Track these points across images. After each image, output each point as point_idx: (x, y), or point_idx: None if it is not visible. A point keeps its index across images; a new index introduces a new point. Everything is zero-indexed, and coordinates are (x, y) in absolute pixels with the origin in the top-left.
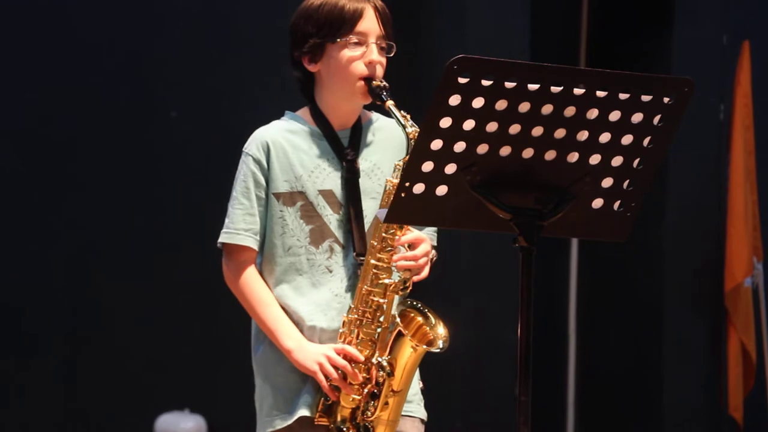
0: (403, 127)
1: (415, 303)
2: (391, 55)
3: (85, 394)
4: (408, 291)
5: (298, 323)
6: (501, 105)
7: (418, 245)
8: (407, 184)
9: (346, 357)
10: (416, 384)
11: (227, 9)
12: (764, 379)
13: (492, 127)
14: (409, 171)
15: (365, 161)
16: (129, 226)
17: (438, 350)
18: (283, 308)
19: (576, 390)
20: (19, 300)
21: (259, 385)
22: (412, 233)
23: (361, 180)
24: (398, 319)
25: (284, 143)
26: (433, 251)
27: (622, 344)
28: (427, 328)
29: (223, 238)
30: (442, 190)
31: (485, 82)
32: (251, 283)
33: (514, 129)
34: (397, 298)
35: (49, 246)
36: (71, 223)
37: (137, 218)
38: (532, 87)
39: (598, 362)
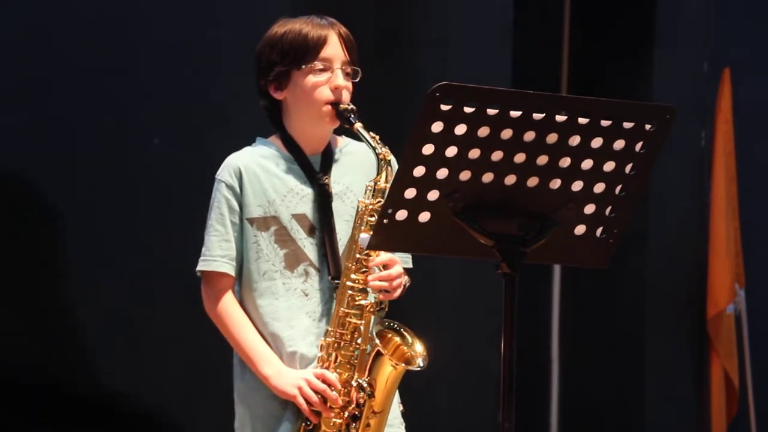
0: (373, 148)
1: (391, 323)
2: (357, 80)
3: (64, 425)
4: (384, 312)
5: (277, 349)
6: (483, 132)
7: (392, 266)
8: (390, 211)
9: (325, 382)
10: (397, 407)
11: (209, 37)
12: (747, 406)
13: (474, 153)
14: (392, 197)
15: (337, 184)
16: (108, 252)
17: (418, 368)
18: (262, 334)
19: (559, 416)
20: None
21: (239, 413)
22: (385, 255)
23: (333, 203)
24: (377, 339)
25: (256, 168)
26: (406, 277)
27: (605, 370)
28: (405, 348)
29: (200, 266)
30: (424, 216)
31: (467, 109)
32: (229, 310)
33: (497, 156)
34: (373, 318)
35: (30, 271)
36: (50, 249)
37: (116, 244)
38: (515, 114)
39: (581, 388)
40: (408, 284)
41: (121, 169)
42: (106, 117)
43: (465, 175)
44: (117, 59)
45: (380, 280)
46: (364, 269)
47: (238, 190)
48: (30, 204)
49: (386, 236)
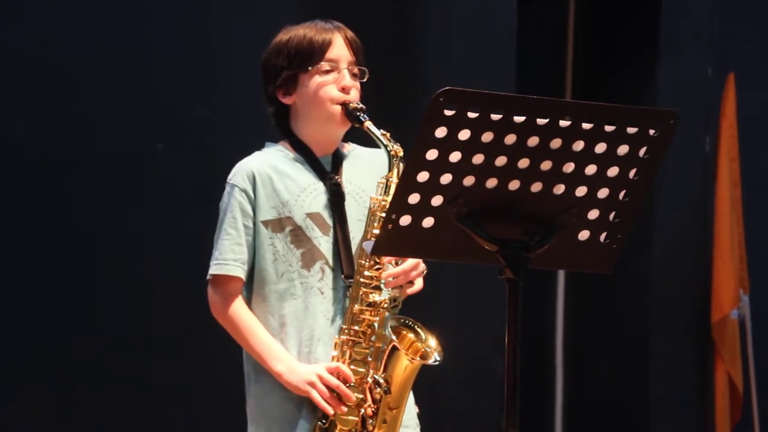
0: (385, 146)
1: (405, 320)
2: (364, 80)
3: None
4: (398, 308)
5: (291, 350)
6: (487, 137)
7: (406, 259)
8: (393, 216)
9: (339, 376)
10: (413, 408)
11: (213, 42)
12: (751, 411)
13: (478, 159)
14: (396, 203)
15: (349, 184)
16: (113, 257)
17: (435, 362)
18: (277, 337)
19: (563, 422)
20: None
21: (252, 428)
22: None
23: (346, 203)
24: (392, 335)
25: (269, 170)
26: (423, 265)
27: (610, 376)
28: (419, 344)
29: (213, 270)
30: (428, 222)
31: (471, 114)
32: (239, 312)
33: (501, 161)
34: (387, 315)
35: (31, 274)
36: (57, 253)
37: (120, 249)
38: (518, 119)
39: (586, 394)
40: (426, 271)
41: (126, 175)
42: (109, 123)
43: (469, 181)
44: (119, 66)
45: (394, 276)
46: (377, 266)
47: (251, 193)
48: (33, 210)
49: (390, 242)
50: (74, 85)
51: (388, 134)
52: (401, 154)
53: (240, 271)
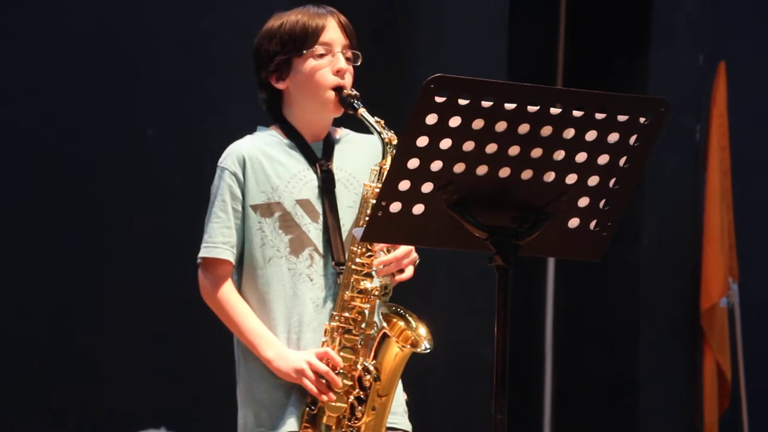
0: (379, 133)
1: (396, 308)
2: (358, 64)
3: (58, 411)
4: (389, 296)
5: (280, 336)
6: (478, 124)
7: (398, 246)
8: (384, 203)
9: (328, 362)
10: (401, 395)
11: (203, 28)
12: (739, 399)
13: (469, 146)
14: (386, 190)
15: (340, 171)
16: (104, 244)
17: (425, 350)
18: (266, 321)
19: (552, 408)
20: None
21: (242, 412)
22: None
23: (337, 189)
24: (383, 323)
25: (260, 155)
26: (415, 254)
27: (599, 363)
28: (409, 332)
29: (202, 253)
30: (418, 208)
31: (462, 101)
32: (229, 296)
33: (491, 148)
34: (378, 303)
35: (23, 262)
36: (48, 240)
37: (112, 234)
38: (509, 106)
39: (575, 381)
40: (417, 261)
41: (116, 160)
42: (100, 108)
43: (459, 168)
44: (111, 51)
45: (386, 263)
46: (369, 253)
47: (241, 177)
48: (25, 196)
49: (380, 228)
50: (64, 71)
51: (383, 121)
52: (395, 141)
53: (229, 255)
